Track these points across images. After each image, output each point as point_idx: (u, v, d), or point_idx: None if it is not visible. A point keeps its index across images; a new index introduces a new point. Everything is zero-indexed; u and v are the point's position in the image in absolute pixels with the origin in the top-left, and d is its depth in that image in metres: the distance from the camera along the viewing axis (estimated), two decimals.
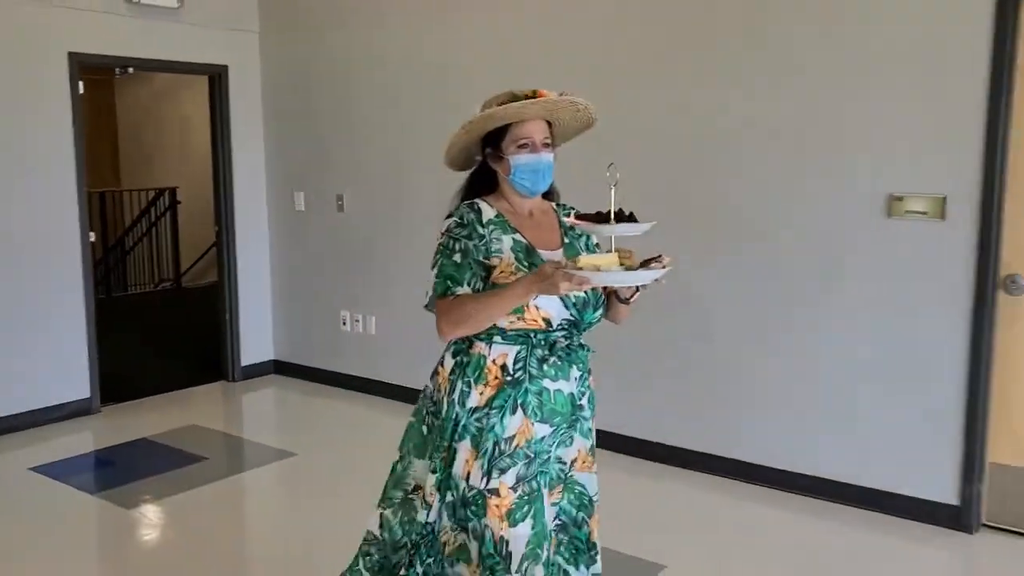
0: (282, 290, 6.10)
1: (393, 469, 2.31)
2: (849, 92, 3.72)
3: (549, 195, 2.27)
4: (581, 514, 2.24)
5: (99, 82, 10.37)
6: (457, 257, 2.09)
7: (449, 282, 2.07)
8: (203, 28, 5.61)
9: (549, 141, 2.16)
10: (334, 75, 5.58)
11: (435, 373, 2.24)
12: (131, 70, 8.22)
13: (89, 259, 5.23)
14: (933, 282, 3.61)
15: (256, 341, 6.07)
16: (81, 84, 5.11)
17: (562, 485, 2.20)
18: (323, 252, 5.81)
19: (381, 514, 2.28)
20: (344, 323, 5.73)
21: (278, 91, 5.91)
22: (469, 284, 2.07)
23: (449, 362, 2.20)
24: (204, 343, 6.43)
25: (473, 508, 2.08)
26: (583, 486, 2.24)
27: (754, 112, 3.99)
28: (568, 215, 2.17)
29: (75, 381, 5.18)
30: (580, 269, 1.84)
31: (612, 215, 1.93)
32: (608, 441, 3.84)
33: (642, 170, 4.20)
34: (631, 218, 1.95)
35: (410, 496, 2.22)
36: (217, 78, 5.76)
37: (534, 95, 2.11)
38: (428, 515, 2.14)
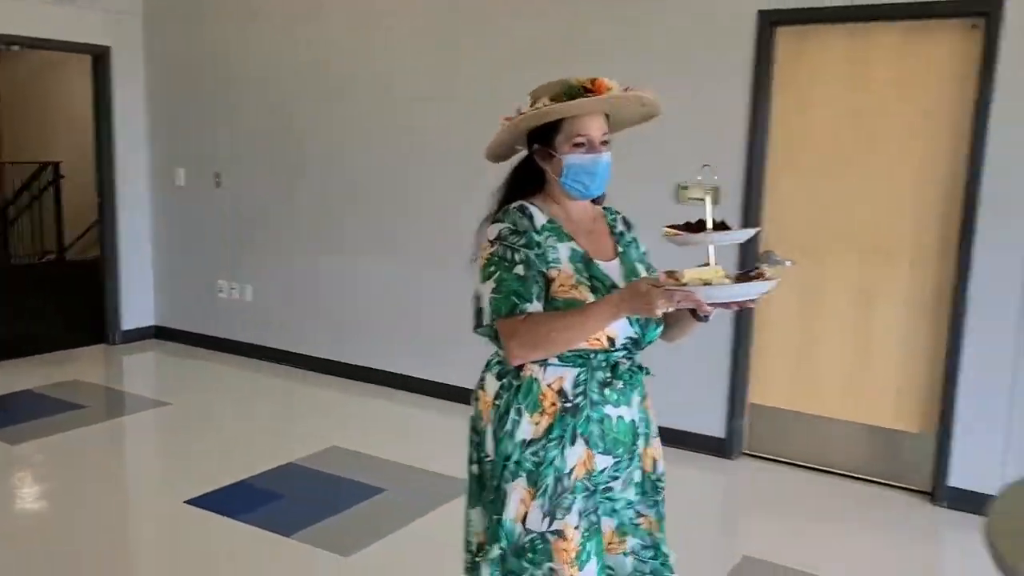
0: (163, 260, 6.53)
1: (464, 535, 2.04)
2: None
3: (596, 198, 2.01)
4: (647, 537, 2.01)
5: None
6: (520, 269, 1.83)
7: (515, 299, 1.81)
8: (87, 10, 5.97)
9: (608, 138, 1.92)
10: (214, 59, 6.05)
11: (475, 398, 2.00)
12: (16, 47, 8.38)
13: None
14: None
15: (137, 307, 6.49)
16: None
17: (631, 537, 1.99)
18: (202, 225, 6.28)
19: None
20: (221, 291, 6.23)
21: (160, 73, 6.33)
22: (539, 299, 1.82)
23: (492, 385, 1.93)
24: (87, 310, 6.80)
25: (531, 555, 1.84)
26: (643, 531, 2.02)
27: None
28: (615, 220, 2.03)
29: None
30: (684, 285, 1.63)
31: (710, 223, 1.73)
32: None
33: None
34: (724, 226, 1.76)
35: (477, 559, 1.95)
36: (100, 58, 6.14)
37: (592, 86, 1.86)
38: None
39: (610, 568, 1.97)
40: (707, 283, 1.62)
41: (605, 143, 1.90)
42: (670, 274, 1.69)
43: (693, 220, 1.76)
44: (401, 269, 5.38)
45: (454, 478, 4.01)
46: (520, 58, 4.80)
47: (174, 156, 6.36)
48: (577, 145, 1.88)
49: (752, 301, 1.70)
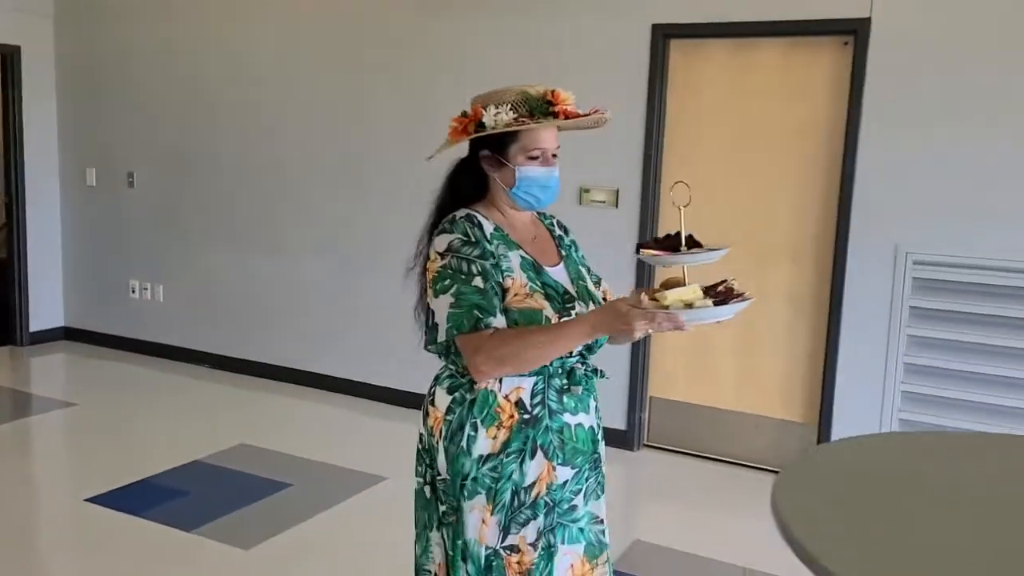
0: (73, 260, 6.46)
1: (415, 557, 1.95)
2: None
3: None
4: None
5: None
6: (479, 282, 1.77)
7: (478, 312, 1.75)
8: None
9: (557, 152, 1.89)
10: (127, 60, 6.02)
11: (424, 414, 1.93)
12: None
13: None
14: (611, 250, 4.58)
15: (46, 308, 6.40)
16: None
17: (605, 555, 1.93)
18: (114, 225, 6.24)
19: None
20: (133, 291, 6.19)
21: (72, 73, 6.26)
22: (501, 312, 1.77)
23: (443, 400, 1.87)
24: None
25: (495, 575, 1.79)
26: (607, 545, 1.97)
27: None
28: (552, 225, 2.01)
29: None
30: (667, 308, 1.60)
31: (683, 240, 1.72)
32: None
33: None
34: (694, 240, 1.74)
35: None
36: (9, 57, 6.05)
37: (553, 98, 1.83)
38: None
39: None
40: (689, 305, 1.60)
41: (555, 156, 1.88)
42: (652, 294, 1.63)
43: (661, 236, 1.78)
44: (307, 269, 5.46)
45: (361, 472, 4.13)
46: (428, 65, 4.93)
47: (85, 156, 6.30)
48: (532, 158, 1.84)
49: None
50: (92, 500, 3.74)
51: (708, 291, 1.65)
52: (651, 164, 4.47)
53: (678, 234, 1.72)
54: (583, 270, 2.00)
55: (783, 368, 4.37)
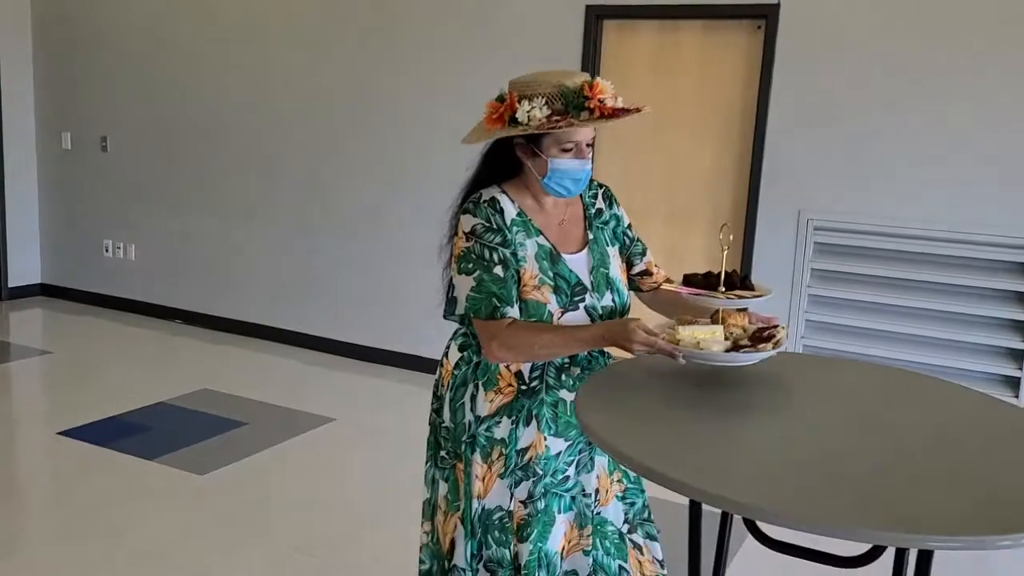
0: (49, 220, 6.78)
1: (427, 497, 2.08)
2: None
3: None
4: (617, 562, 1.99)
5: None
6: (499, 270, 1.84)
7: (496, 301, 1.83)
8: None
9: (593, 141, 1.90)
10: (101, 29, 6.31)
11: (440, 364, 2.04)
12: None
13: None
14: None
15: (24, 266, 6.74)
16: None
17: (591, 527, 1.98)
18: (88, 187, 6.56)
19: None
20: (107, 250, 6.53)
21: (47, 40, 6.55)
22: (517, 301, 1.85)
23: (455, 354, 1.99)
24: None
25: (490, 530, 1.92)
26: (612, 523, 2.01)
27: (440, 115, 5.20)
28: (595, 197, 2.01)
29: None
30: (678, 342, 1.71)
31: (723, 279, 1.79)
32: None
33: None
34: (745, 282, 1.82)
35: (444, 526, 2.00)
36: None
37: (589, 91, 1.81)
38: (455, 555, 1.95)
39: (572, 573, 1.98)
40: (698, 345, 1.70)
41: (590, 145, 1.88)
42: (672, 328, 1.76)
43: (714, 272, 1.83)
44: (271, 230, 5.81)
45: (312, 414, 4.53)
46: (377, 39, 5.27)
47: (60, 121, 6.61)
48: (565, 150, 1.84)
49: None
50: (64, 433, 4.13)
51: (756, 334, 1.76)
52: None
53: (720, 273, 1.82)
54: (611, 252, 2.01)
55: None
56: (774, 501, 1.33)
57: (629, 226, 2.09)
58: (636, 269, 2.12)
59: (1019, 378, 4.03)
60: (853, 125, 4.23)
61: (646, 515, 2.06)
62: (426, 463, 2.07)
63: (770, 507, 1.30)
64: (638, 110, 1.86)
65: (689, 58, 4.62)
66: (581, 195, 2.01)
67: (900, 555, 1.65)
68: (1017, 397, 4.03)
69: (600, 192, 2.06)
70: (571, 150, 1.84)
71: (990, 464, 1.53)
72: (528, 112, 1.79)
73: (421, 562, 2.10)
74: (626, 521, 2.02)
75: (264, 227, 5.86)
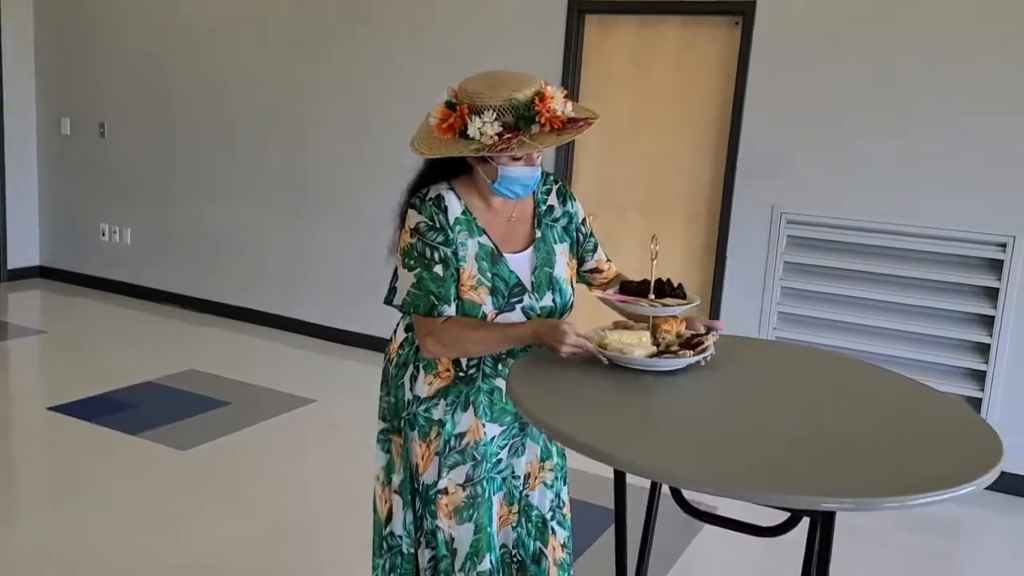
0: (48, 204, 6.92)
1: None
2: None
3: None
4: (538, 543, 2.10)
5: None
6: (439, 269, 1.89)
7: (434, 299, 1.89)
8: None
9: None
10: (100, 18, 6.44)
11: (389, 341, 2.11)
12: None
13: None
14: None
15: (23, 248, 6.88)
16: None
17: (517, 507, 2.08)
18: (86, 172, 6.69)
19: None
20: (103, 234, 6.67)
21: (48, 28, 6.68)
22: (455, 299, 1.91)
23: (401, 334, 2.06)
24: None
25: (426, 507, 2.00)
26: (538, 508, 2.11)
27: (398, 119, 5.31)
28: (548, 193, 2.05)
29: None
30: (605, 346, 1.82)
31: (652, 287, 1.90)
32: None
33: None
34: (678, 289, 1.92)
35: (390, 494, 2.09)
36: None
37: (540, 104, 1.82)
38: (392, 522, 2.04)
39: (503, 546, 2.07)
40: (621, 351, 1.82)
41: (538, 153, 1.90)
42: (600, 335, 1.87)
43: (638, 280, 1.94)
44: (263, 217, 5.93)
45: (292, 395, 4.65)
46: (369, 32, 5.38)
47: (60, 107, 6.74)
48: (516, 158, 1.85)
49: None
50: (53, 408, 4.26)
51: (687, 341, 1.86)
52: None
53: (646, 281, 1.92)
54: (558, 250, 2.04)
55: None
56: (681, 466, 1.44)
57: (583, 221, 2.11)
58: (587, 266, 2.16)
59: (984, 372, 4.12)
60: (826, 122, 4.31)
61: (561, 503, 2.15)
62: (377, 442, 2.16)
63: (676, 471, 1.41)
64: (588, 123, 1.85)
65: (668, 53, 4.71)
66: (533, 192, 2.03)
67: (813, 523, 1.75)
68: (982, 390, 4.13)
69: (555, 188, 2.08)
70: (521, 158, 1.86)
71: (885, 436, 1.63)
72: (480, 129, 1.80)
73: (384, 540, 2.14)
74: (549, 508, 2.11)
75: (256, 214, 5.98)
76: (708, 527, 3.50)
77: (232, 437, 4.10)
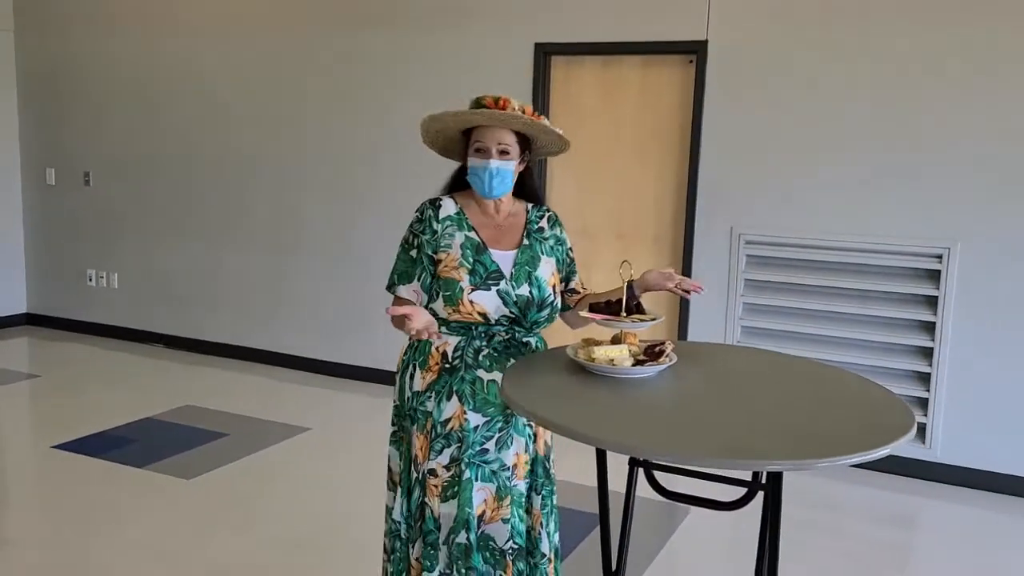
0: (34, 251, 7.11)
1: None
2: None
3: (532, 198, 2.39)
4: (527, 523, 2.32)
5: None
6: (413, 253, 2.26)
7: (396, 276, 2.28)
8: None
9: (507, 149, 2.22)
10: (83, 70, 6.69)
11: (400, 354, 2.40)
12: None
13: None
14: None
15: (10, 296, 7.04)
16: None
17: (510, 498, 2.27)
18: (71, 220, 6.90)
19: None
20: (90, 279, 6.86)
21: (32, 82, 6.91)
22: (419, 279, 2.24)
23: (406, 342, 2.34)
24: None
25: (420, 490, 2.26)
26: (522, 491, 2.32)
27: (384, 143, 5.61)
28: (540, 217, 2.35)
29: None
30: (593, 359, 2.09)
31: (623, 306, 2.19)
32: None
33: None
34: (639, 307, 2.22)
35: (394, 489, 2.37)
36: None
37: (495, 104, 2.18)
38: (396, 507, 2.33)
39: (491, 539, 2.26)
40: (611, 360, 2.08)
41: (504, 153, 2.20)
42: (588, 350, 2.12)
43: (614, 300, 2.22)
44: (246, 257, 6.18)
45: (289, 424, 4.88)
46: (348, 78, 5.69)
47: (45, 157, 6.96)
48: (477, 151, 2.21)
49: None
50: (58, 447, 4.45)
51: (648, 350, 2.15)
52: (537, 162, 5.25)
53: (619, 301, 2.20)
54: (544, 259, 2.32)
55: (650, 333, 5.18)
56: (646, 441, 1.73)
57: (570, 249, 2.44)
58: (569, 286, 2.46)
59: (929, 374, 4.47)
60: (776, 148, 4.68)
61: (543, 481, 2.38)
62: (388, 442, 2.41)
63: (641, 445, 1.70)
64: (539, 117, 2.20)
65: (631, 89, 5.07)
66: (527, 211, 2.35)
67: (766, 496, 2.05)
68: (928, 391, 4.47)
69: (547, 215, 2.39)
70: (480, 151, 2.21)
71: (815, 414, 1.94)
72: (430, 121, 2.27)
73: (389, 525, 2.39)
74: (531, 487, 2.35)
75: (237, 254, 6.23)
76: (686, 522, 3.79)
77: (235, 465, 4.32)
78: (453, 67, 5.40)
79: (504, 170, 2.21)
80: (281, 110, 5.97)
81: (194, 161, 6.34)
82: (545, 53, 5.18)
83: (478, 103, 2.20)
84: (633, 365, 2.13)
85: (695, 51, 4.81)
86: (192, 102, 6.28)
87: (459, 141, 2.31)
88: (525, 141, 2.28)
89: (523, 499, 2.32)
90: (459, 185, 2.33)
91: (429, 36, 5.46)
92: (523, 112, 2.20)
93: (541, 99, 5.20)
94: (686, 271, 4.95)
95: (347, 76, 5.73)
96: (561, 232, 2.42)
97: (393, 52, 5.57)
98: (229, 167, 6.21)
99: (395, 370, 2.38)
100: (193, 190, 6.37)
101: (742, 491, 2.12)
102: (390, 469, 2.39)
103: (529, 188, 2.37)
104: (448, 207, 2.27)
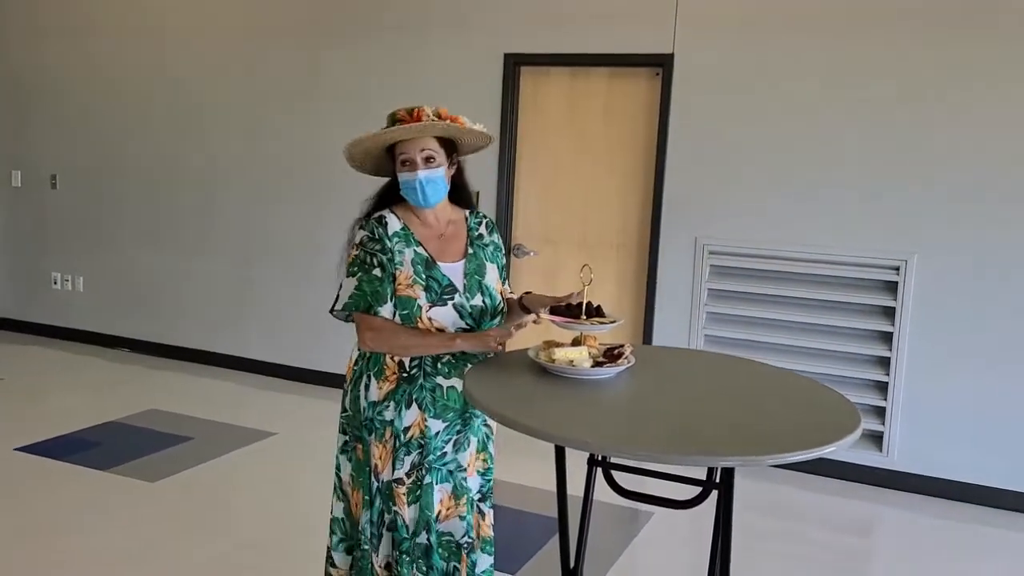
0: None
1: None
2: None
3: (466, 203, 2.43)
4: (476, 520, 2.40)
5: None
6: (377, 272, 2.23)
7: (371, 300, 2.23)
8: None
9: (432, 156, 2.25)
10: (48, 74, 6.64)
11: (347, 365, 2.40)
12: None
13: None
14: None
15: None
16: None
17: (466, 496, 2.35)
18: (37, 222, 6.84)
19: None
20: (55, 283, 6.81)
21: None
22: (390, 299, 2.23)
23: (355, 353, 2.35)
24: None
25: (385, 500, 2.29)
26: (470, 489, 2.39)
27: None
28: (478, 224, 2.40)
29: None
30: (554, 361, 2.15)
31: (584, 310, 2.23)
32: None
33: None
34: (599, 311, 2.26)
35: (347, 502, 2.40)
36: None
37: (410, 116, 2.20)
38: (363, 516, 2.32)
39: (448, 535, 2.33)
40: (571, 361, 2.16)
41: (430, 160, 2.23)
42: (548, 351, 2.20)
43: (574, 303, 2.27)
44: (210, 263, 6.17)
45: (254, 429, 4.88)
46: (314, 90, 5.72)
47: (11, 160, 6.90)
48: (403, 164, 2.24)
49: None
50: (21, 449, 4.42)
51: (608, 352, 2.22)
52: (504, 170, 5.33)
53: (580, 304, 2.26)
54: (489, 266, 2.38)
55: (610, 337, 5.25)
56: (600, 438, 1.78)
57: (504, 254, 2.50)
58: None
59: (887, 383, 4.58)
60: (740, 160, 4.78)
61: (489, 489, 2.48)
62: (337, 452, 2.43)
63: (594, 441, 1.75)
64: (455, 119, 2.25)
65: (598, 100, 5.15)
66: (466, 217, 2.42)
67: (719, 494, 2.11)
68: (886, 399, 4.58)
69: (484, 221, 2.46)
70: (407, 163, 2.25)
71: (766, 413, 2.02)
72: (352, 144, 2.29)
73: (332, 532, 2.47)
74: (479, 491, 2.43)
75: (204, 259, 6.22)
76: (648, 526, 3.85)
77: (198, 468, 4.32)
78: (424, 76, 5.45)
79: (434, 177, 2.25)
80: (249, 117, 5.98)
81: (162, 166, 6.32)
82: (515, 63, 5.24)
83: (393, 118, 2.24)
84: (592, 367, 2.19)
85: (661, 64, 4.90)
86: (161, 107, 6.28)
87: (385, 159, 2.33)
88: (449, 144, 2.31)
89: (470, 503, 2.39)
90: (387, 201, 2.35)
91: (399, 45, 5.51)
92: (439, 117, 2.24)
93: (511, 109, 5.27)
94: (651, 280, 5.02)
95: (316, 86, 5.76)
96: (497, 237, 2.48)
97: (363, 62, 5.61)
98: (196, 172, 6.20)
99: (346, 379, 2.38)
100: (161, 194, 6.35)
101: (698, 490, 2.18)
102: (339, 478, 2.42)
103: (462, 191, 2.42)
104: (393, 223, 2.29)
